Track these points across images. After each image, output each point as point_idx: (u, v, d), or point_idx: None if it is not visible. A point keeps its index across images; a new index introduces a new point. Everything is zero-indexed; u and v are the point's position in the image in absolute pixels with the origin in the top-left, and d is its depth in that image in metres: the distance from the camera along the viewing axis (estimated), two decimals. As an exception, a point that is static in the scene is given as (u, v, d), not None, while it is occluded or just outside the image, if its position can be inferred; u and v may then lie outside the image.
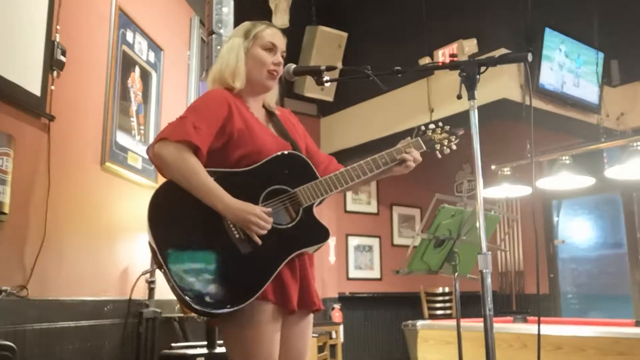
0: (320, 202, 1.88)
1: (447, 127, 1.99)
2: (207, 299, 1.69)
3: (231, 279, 1.73)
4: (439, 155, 1.98)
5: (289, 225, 1.81)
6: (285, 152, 1.88)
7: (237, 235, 1.75)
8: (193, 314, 3.52)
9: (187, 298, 1.68)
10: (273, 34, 1.97)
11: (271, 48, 1.94)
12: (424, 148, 1.97)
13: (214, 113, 1.82)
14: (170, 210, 1.78)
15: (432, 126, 1.98)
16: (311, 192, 1.83)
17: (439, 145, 1.97)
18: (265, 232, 1.74)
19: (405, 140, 1.97)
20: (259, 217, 1.73)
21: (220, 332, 1.86)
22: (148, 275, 3.44)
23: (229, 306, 1.70)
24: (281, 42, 1.98)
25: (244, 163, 1.83)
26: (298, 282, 1.84)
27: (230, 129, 1.83)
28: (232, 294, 1.71)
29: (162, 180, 1.82)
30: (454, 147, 1.99)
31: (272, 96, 2.04)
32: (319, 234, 1.84)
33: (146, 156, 3.53)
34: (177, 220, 1.77)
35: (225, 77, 1.93)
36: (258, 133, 1.88)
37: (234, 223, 1.75)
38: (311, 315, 1.96)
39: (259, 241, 1.74)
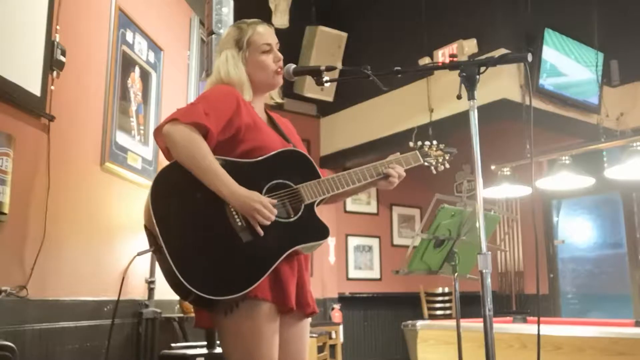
0: (320, 202, 1.89)
1: (441, 146, 2.11)
2: (204, 283, 1.66)
3: (229, 266, 1.71)
4: (434, 171, 2.10)
5: (291, 220, 1.81)
6: (291, 149, 1.90)
7: (239, 223, 1.73)
8: (193, 314, 3.53)
9: (183, 280, 1.64)
10: (263, 33, 1.97)
11: (267, 49, 1.95)
12: (422, 161, 2.07)
13: (224, 105, 1.82)
14: (173, 193, 1.76)
15: (427, 143, 2.09)
16: (313, 190, 1.85)
17: (435, 161, 2.09)
18: (268, 222, 1.73)
19: (394, 155, 2.04)
20: (265, 206, 1.72)
21: (219, 333, 1.85)
22: (148, 275, 3.44)
23: (225, 294, 1.67)
24: (273, 37, 1.99)
25: (249, 157, 1.83)
26: (296, 280, 1.84)
27: (238, 123, 1.83)
28: (229, 282, 1.69)
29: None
30: (447, 166, 2.12)
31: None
32: (319, 232, 1.84)
33: (146, 156, 3.55)
34: (179, 202, 1.75)
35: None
36: (265, 129, 1.90)
37: (237, 210, 1.74)
38: (307, 319, 1.96)
39: (261, 231, 1.73)
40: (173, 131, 1.73)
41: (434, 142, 2.09)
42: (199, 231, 1.73)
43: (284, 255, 1.76)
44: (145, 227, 1.76)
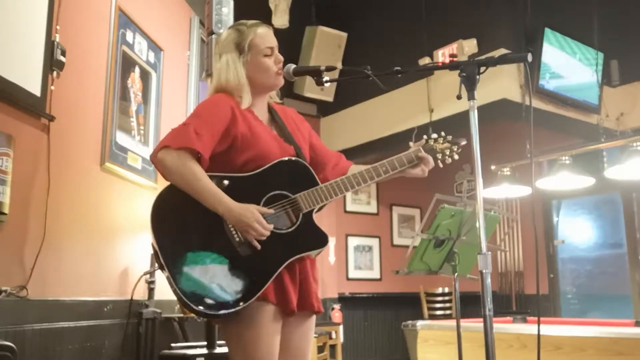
0: (320, 208, 1.90)
1: (449, 137, 1.98)
2: (207, 300, 1.72)
3: (230, 281, 1.75)
4: (441, 165, 1.98)
5: (289, 230, 1.83)
6: (287, 158, 1.89)
7: (237, 239, 1.77)
8: (193, 315, 3.53)
9: (187, 299, 1.71)
10: (265, 36, 1.96)
11: (269, 53, 1.95)
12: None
13: (217, 118, 1.83)
14: (172, 213, 1.80)
15: (434, 136, 1.97)
16: (311, 198, 1.85)
17: (441, 154, 1.97)
18: (263, 237, 1.77)
19: (418, 143, 1.96)
20: (259, 222, 1.75)
21: (222, 332, 1.88)
22: (148, 275, 3.44)
23: (227, 308, 1.73)
24: (273, 39, 1.98)
25: (248, 167, 1.84)
26: (297, 285, 1.86)
27: (234, 133, 1.84)
28: (231, 296, 1.74)
29: (161, 180, 1.84)
30: (456, 157, 1.99)
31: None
32: (318, 240, 1.86)
33: (146, 156, 3.55)
34: (179, 223, 1.80)
35: (230, 93, 1.92)
36: (262, 137, 1.89)
37: (234, 226, 1.77)
38: (313, 318, 1.96)
39: (258, 245, 1.77)
40: (164, 158, 1.76)
41: (442, 134, 1.97)
42: (199, 250, 1.77)
43: (283, 266, 1.80)
44: (152, 246, 1.80)
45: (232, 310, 1.73)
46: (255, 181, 1.84)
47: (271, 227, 1.78)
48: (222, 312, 1.73)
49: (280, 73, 1.96)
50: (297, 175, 1.88)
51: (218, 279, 1.74)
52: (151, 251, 1.84)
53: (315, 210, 1.87)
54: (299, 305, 1.84)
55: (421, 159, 1.91)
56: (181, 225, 1.79)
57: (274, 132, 1.96)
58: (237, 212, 1.75)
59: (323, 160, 2.01)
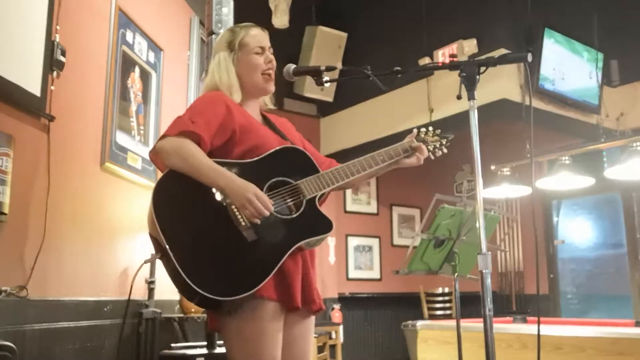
0: (322, 196, 1.90)
1: (437, 131, 2.09)
2: (211, 284, 1.66)
3: (236, 266, 1.71)
4: (432, 157, 2.08)
5: (293, 216, 1.81)
6: (287, 146, 1.90)
7: (242, 223, 1.72)
8: (193, 315, 3.53)
9: (190, 282, 1.63)
10: (256, 36, 1.98)
11: (260, 51, 1.96)
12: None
13: (212, 110, 1.83)
14: (174, 198, 1.76)
15: (423, 129, 2.07)
16: (314, 185, 1.85)
17: (432, 147, 2.07)
18: (259, 216, 1.71)
19: (411, 135, 2.05)
20: (258, 197, 1.70)
21: (220, 333, 1.84)
22: (148, 275, 3.44)
23: (232, 293, 1.67)
24: (266, 41, 2.00)
25: (247, 158, 1.84)
26: (301, 279, 1.84)
27: (232, 126, 1.83)
28: (236, 282, 1.68)
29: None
30: (445, 151, 2.10)
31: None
32: (323, 225, 1.85)
33: (146, 156, 3.55)
34: (181, 207, 1.76)
35: (222, 91, 1.94)
36: (260, 129, 1.91)
37: (233, 202, 1.72)
38: (313, 317, 1.95)
39: (258, 221, 1.72)
40: (163, 144, 1.76)
41: (430, 128, 2.08)
42: (203, 233, 1.73)
43: (289, 252, 1.76)
44: (150, 235, 1.76)
45: (238, 296, 1.67)
46: (257, 168, 1.82)
47: (272, 207, 1.73)
48: (225, 297, 1.66)
49: (269, 77, 1.97)
50: (298, 162, 1.89)
51: (223, 264, 1.70)
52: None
53: (318, 197, 1.86)
54: (301, 301, 1.82)
55: (415, 149, 2.00)
56: (184, 210, 1.75)
57: (269, 129, 1.98)
58: (237, 185, 1.71)
59: (316, 163, 2.02)
